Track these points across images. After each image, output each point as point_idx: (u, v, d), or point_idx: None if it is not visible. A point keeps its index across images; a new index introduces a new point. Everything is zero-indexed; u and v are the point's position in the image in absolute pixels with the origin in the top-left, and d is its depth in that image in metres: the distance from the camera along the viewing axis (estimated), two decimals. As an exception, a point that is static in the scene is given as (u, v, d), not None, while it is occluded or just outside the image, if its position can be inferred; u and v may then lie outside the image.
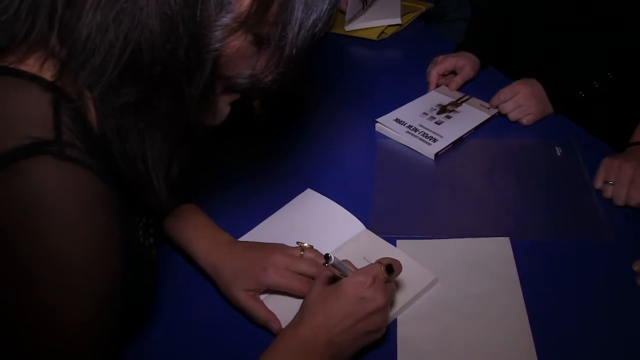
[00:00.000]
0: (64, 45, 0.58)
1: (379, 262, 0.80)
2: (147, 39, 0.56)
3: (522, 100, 1.27)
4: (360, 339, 0.78)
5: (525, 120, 1.27)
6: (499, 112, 1.30)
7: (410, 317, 0.88)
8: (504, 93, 1.29)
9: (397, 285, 0.90)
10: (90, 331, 0.58)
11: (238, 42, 0.62)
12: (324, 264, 0.76)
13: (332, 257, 0.75)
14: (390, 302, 0.81)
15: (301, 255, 0.89)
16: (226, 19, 0.59)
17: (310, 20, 0.63)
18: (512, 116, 1.28)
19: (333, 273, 0.79)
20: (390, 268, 0.79)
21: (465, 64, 1.40)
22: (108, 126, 0.61)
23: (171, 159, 0.67)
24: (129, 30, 0.56)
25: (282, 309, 0.87)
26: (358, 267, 0.84)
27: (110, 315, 0.59)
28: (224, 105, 0.71)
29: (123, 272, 0.61)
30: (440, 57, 1.42)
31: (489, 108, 1.31)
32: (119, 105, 0.60)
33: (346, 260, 0.83)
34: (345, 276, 0.78)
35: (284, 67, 0.66)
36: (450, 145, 1.21)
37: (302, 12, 0.62)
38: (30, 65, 0.60)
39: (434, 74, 1.39)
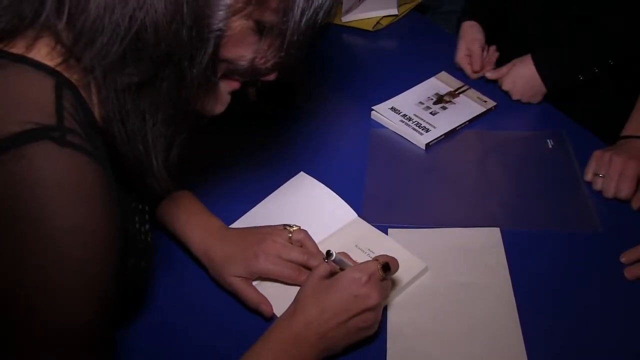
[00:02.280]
0: (71, 27, 0.58)
1: (375, 259, 0.81)
2: (152, 18, 0.57)
3: (519, 95, 1.30)
4: (352, 335, 0.78)
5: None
6: (495, 106, 1.30)
7: (401, 304, 0.89)
8: (504, 85, 1.32)
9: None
10: (87, 313, 0.58)
11: (240, 24, 0.63)
12: (325, 260, 0.77)
13: (334, 254, 0.75)
14: (385, 300, 0.82)
15: (290, 238, 0.90)
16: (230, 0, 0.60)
17: (312, 8, 0.64)
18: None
19: (333, 268, 0.79)
20: (387, 266, 0.80)
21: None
22: (110, 107, 0.62)
23: (171, 142, 0.67)
24: (134, 11, 0.57)
25: (274, 293, 0.88)
26: (350, 256, 0.85)
27: (108, 297, 0.60)
28: (224, 94, 0.72)
29: (120, 257, 0.62)
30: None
31: (485, 101, 1.31)
32: (122, 86, 0.60)
33: (343, 253, 0.84)
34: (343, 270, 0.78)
35: (285, 53, 0.67)
36: (443, 136, 1.22)
37: None
38: (36, 52, 0.60)
39: (463, 59, 1.39)
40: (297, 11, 0.64)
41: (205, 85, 0.66)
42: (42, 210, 0.54)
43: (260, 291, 0.88)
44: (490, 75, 1.35)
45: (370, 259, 0.91)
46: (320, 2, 0.64)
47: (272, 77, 0.73)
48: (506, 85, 1.32)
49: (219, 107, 0.73)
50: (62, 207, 0.55)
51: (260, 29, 0.65)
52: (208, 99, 0.70)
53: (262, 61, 0.68)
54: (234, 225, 1.00)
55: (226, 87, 0.71)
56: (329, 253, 0.76)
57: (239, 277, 0.87)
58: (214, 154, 1.16)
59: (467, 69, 1.39)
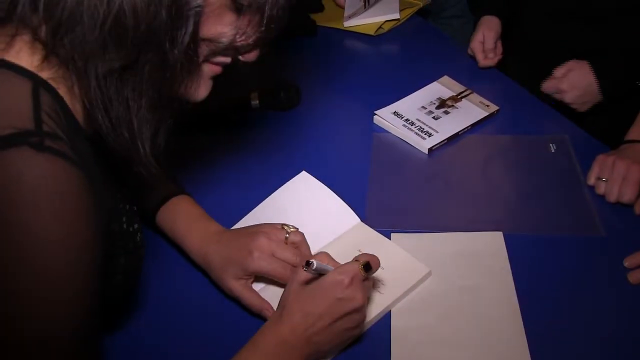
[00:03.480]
0: (48, 19, 0.58)
1: (356, 259, 0.80)
2: (130, 1, 0.57)
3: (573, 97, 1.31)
4: (339, 337, 0.78)
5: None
6: (497, 111, 1.30)
7: (404, 309, 0.89)
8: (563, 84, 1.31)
9: (391, 278, 0.91)
10: (69, 320, 0.58)
11: (219, 1, 0.63)
12: (304, 269, 0.75)
13: (314, 263, 0.74)
14: (368, 299, 0.81)
15: (286, 239, 0.89)
16: None
17: None
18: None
19: (314, 275, 0.78)
20: (368, 266, 0.79)
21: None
22: (93, 95, 0.61)
23: (157, 127, 0.67)
24: None
25: (277, 298, 0.87)
26: (332, 257, 0.84)
27: (90, 303, 0.60)
28: (206, 78, 0.71)
29: (102, 260, 0.62)
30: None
31: (488, 106, 1.31)
32: (104, 72, 0.60)
33: (324, 253, 0.82)
34: (325, 274, 0.78)
35: (265, 28, 0.67)
36: (445, 141, 1.22)
37: None
38: (15, 53, 0.60)
39: (477, 45, 1.43)
40: None
41: (187, 68, 0.65)
42: (19, 217, 0.54)
43: (263, 296, 0.88)
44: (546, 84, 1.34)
45: None
46: None
47: (253, 55, 0.72)
48: (564, 85, 1.31)
49: (202, 92, 0.72)
50: (40, 213, 0.55)
51: (238, 6, 0.65)
52: (191, 83, 0.69)
53: (243, 38, 0.67)
54: (236, 227, 0.99)
55: (209, 72, 0.71)
56: (308, 263, 0.74)
57: (238, 279, 0.87)
58: (216, 157, 1.16)
59: (480, 56, 1.43)
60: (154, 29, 0.59)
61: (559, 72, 1.32)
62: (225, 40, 0.67)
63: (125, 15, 0.57)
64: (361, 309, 0.78)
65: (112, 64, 0.59)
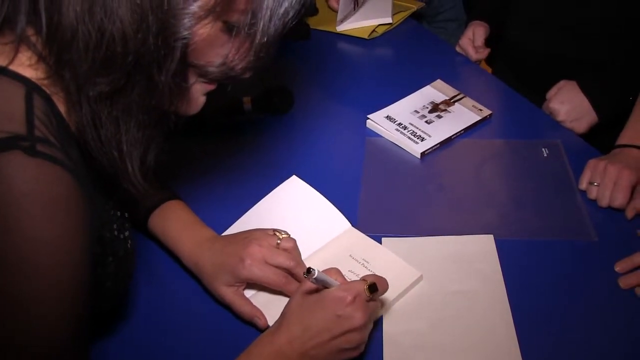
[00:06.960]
0: (52, 39, 0.59)
1: (363, 279, 0.79)
2: (119, 28, 0.57)
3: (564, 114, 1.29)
4: (335, 355, 0.76)
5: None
6: (490, 115, 1.30)
7: (396, 313, 0.89)
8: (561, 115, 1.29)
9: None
10: (58, 323, 0.59)
11: (207, 30, 0.63)
12: (304, 276, 0.73)
13: (315, 271, 0.72)
14: (373, 320, 0.79)
15: (278, 245, 0.89)
16: (194, 7, 0.60)
17: (282, 9, 0.64)
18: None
19: (316, 286, 0.77)
20: (374, 287, 0.77)
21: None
22: (83, 116, 0.61)
23: (146, 146, 0.67)
24: (101, 21, 0.57)
25: (268, 305, 0.87)
26: (343, 265, 0.84)
27: (79, 307, 0.60)
28: (198, 95, 0.71)
29: (92, 265, 0.62)
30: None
31: (481, 110, 1.31)
32: (94, 95, 0.60)
33: (335, 269, 0.80)
34: (328, 288, 0.76)
35: (255, 55, 0.67)
36: (438, 145, 1.22)
37: (273, 0, 0.63)
38: (16, 66, 0.60)
39: (466, 41, 1.48)
40: (265, 12, 0.63)
41: (176, 90, 0.66)
42: (9, 221, 0.54)
43: (255, 303, 0.87)
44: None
45: (365, 269, 0.92)
46: (290, 2, 0.64)
47: (245, 76, 0.72)
48: (554, 104, 1.29)
49: (193, 109, 0.72)
50: (30, 217, 0.55)
51: (229, 32, 0.65)
52: (181, 102, 0.69)
53: (232, 65, 0.67)
54: (227, 232, 0.99)
55: (201, 89, 0.71)
56: (309, 270, 0.72)
57: (230, 286, 0.87)
58: (207, 162, 1.16)
59: (470, 50, 1.47)
60: (142, 56, 0.59)
61: (550, 93, 1.31)
62: (213, 67, 0.67)
63: (114, 41, 0.58)
64: (360, 330, 0.76)
65: (101, 88, 0.60)
